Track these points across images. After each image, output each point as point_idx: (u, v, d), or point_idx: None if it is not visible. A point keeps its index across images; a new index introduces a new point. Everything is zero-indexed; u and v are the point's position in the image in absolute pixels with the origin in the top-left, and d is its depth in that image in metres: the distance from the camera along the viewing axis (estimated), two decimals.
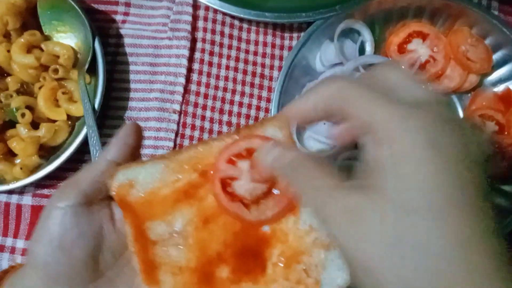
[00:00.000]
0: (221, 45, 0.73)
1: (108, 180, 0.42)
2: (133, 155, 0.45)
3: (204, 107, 0.71)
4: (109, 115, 0.71)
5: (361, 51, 0.71)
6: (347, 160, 0.66)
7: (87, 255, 0.41)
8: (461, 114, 0.71)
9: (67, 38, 0.71)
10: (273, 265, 0.42)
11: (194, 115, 0.71)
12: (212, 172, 0.43)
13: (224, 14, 0.73)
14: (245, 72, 0.73)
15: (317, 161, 0.36)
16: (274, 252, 0.43)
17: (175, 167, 0.43)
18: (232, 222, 0.43)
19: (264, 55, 0.73)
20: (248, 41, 0.74)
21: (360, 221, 0.31)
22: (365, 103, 0.32)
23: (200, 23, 0.73)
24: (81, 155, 0.69)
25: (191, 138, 0.71)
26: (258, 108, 0.71)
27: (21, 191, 0.70)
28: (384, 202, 0.30)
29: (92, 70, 0.69)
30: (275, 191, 0.43)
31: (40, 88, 0.67)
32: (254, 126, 0.45)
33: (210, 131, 0.71)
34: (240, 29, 0.74)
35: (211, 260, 0.43)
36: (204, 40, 0.73)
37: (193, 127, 0.71)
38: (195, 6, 0.74)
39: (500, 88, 0.69)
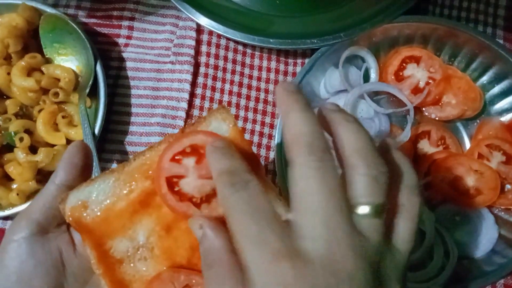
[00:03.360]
0: (224, 70, 0.72)
1: (60, 205, 0.41)
2: (84, 175, 0.44)
3: None
4: (109, 139, 0.70)
5: (366, 77, 0.71)
6: None
7: (48, 285, 0.40)
8: (467, 143, 0.70)
9: (69, 61, 0.70)
10: None
11: None
12: (156, 173, 0.40)
13: (228, 39, 0.72)
14: (248, 97, 0.72)
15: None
16: None
17: (126, 178, 0.42)
18: None
19: (267, 80, 0.73)
20: (251, 67, 0.73)
21: None
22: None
23: (204, 48, 0.73)
24: None
25: None
26: (261, 134, 0.70)
27: None
28: None
29: (93, 93, 0.67)
30: None
31: (39, 111, 0.66)
32: (197, 122, 0.43)
33: None
34: (244, 54, 0.73)
35: (181, 267, 0.41)
36: (207, 65, 0.72)
37: None
38: (199, 31, 0.73)
39: (507, 118, 0.68)
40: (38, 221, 0.41)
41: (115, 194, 0.41)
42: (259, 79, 0.73)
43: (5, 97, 0.67)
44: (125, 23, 0.74)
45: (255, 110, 0.71)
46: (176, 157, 0.40)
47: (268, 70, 0.73)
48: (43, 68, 0.67)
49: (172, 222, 0.42)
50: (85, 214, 0.41)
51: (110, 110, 0.69)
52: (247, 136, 0.70)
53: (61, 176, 0.43)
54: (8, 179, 0.64)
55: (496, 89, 0.69)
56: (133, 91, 0.71)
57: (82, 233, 0.41)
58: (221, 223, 0.39)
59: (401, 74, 0.69)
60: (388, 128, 0.67)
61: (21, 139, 0.63)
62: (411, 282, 0.61)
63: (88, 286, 0.43)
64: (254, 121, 0.71)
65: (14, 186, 0.64)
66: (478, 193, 0.63)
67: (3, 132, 0.64)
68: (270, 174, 0.69)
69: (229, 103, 0.71)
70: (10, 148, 0.65)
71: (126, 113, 0.71)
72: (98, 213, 0.41)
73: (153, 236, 0.41)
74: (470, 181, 0.63)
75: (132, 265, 0.41)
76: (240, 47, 0.74)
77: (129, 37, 0.74)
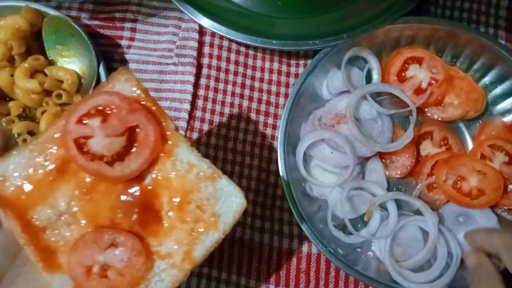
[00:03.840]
0: (226, 71, 0.72)
1: None
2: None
3: (209, 134, 0.70)
4: None
5: (368, 78, 0.71)
6: (353, 190, 0.65)
7: None
8: (470, 143, 0.70)
9: (71, 62, 0.70)
10: (167, 214, 0.42)
11: (199, 142, 0.69)
12: (63, 136, 0.42)
13: (230, 40, 0.73)
14: (251, 98, 0.72)
15: None
16: (163, 201, 0.43)
17: (40, 149, 0.43)
18: (113, 185, 0.43)
19: (270, 82, 0.73)
20: (254, 68, 0.73)
21: None
22: None
23: (206, 49, 0.73)
24: None
25: None
26: (263, 135, 0.70)
27: None
28: None
29: None
30: (136, 144, 0.43)
31: (42, 113, 0.66)
32: (101, 86, 0.45)
33: (215, 158, 0.69)
34: (246, 55, 0.74)
35: (105, 228, 0.42)
36: (209, 66, 0.72)
37: None
38: (201, 32, 0.73)
39: (509, 118, 0.68)
40: None
41: (31, 165, 0.43)
42: (261, 80, 0.73)
43: (8, 99, 0.68)
44: (128, 25, 0.75)
45: (258, 111, 0.71)
46: (82, 119, 0.42)
47: (271, 71, 0.73)
48: (46, 70, 0.67)
49: (91, 185, 0.43)
50: (4, 188, 0.42)
51: None
52: (249, 137, 0.70)
53: None
54: None
55: (498, 90, 0.69)
56: None
57: (3, 206, 0.42)
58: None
59: (403, 75, 0.69)
60: (391, 129, 0.67)
61: (24, 141, 0.63)
62: (415, 283, 0.60)
63: (17, 262, 0.44)
64: (257, 123, 0.71)
65: None
66: (481, 194, 0.63)
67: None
68: (273, 175, 0.69)
69: (232, 104, 0.71)
70: None
71: None
72: (17, 185, 0.42)
73: (73, 201, 0.43)
74: (473, 181, 0.63)
75: (56, 231, 0.42)
76: (242, 49, 0.74)
77: (131, 39, 0.74)
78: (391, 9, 0.68)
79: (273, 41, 0.68)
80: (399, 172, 0.67)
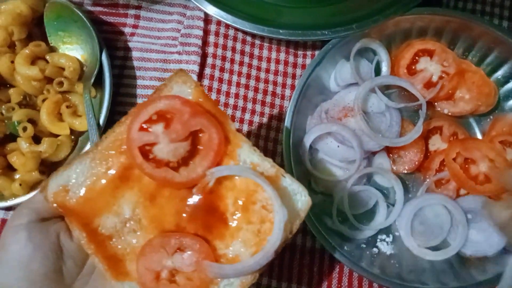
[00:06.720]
0: (232, 61, 0.71)
1: (42, 193, 0.42)
2: None
3: None
4: None
5: (377, 71, 0.69)
6: (358, 185, 0.64)
7: (47, 268, 0.41)
8: (480, 138, 0.68)
9: (73, 49, 0.68)
10: (232, 215, 0.42)
11: None
12: (128, 144, 0.41)
13: (236, 29, 0.71)
14: (256, 89, 0.70)
15: None
16: (228, 202, 0.42)
17: (101, 157, 0.43)
18: (177, 189, 0.42)
19: (276, 72, 0.71)
20: (260, 58, 0.71)
21: None
22: None
23: (211, 38, 0.71)
24: None
25: None
26: (269, 127, 0.69)
27: None
28: None
29: (98, 83, 0.66)
30: (200, 147, 0.42)
31: (43, 100, 0.65)
32: (159, 90, 0.44)
33: None
34: (252, 45, 0.72)
35: (171, 232, 0.42)
36: (214, 56, 0.70)
37: None
38: (207, 21, 0.71)
39: None
40: (38, 210, 0.43)
41: (93, 174, 0.43)
42: (267, 71, 0.71)
43: (8, 85, 0.66)
44: (132, 11, 0.73)
45: (263, 103, 0.70)
46: (144, 126, 0.41)
47: (277, 61, 0.71)
48: (47, 57, 0.66)
49: (155, 191, 0.43)
50: (67, 198, 0.42)
51: (115, 101, 0.68)
52: (254, 129, 0.69)
53: None
54: (11, 169, 0.63)
55: (511, 85, 0.68)
56: (138, 82, 0.70)
57: (68, 215, 0.42)
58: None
59: (413, 67, 0.68)
60: (400, 123, 0.65)
61: (24, 129, 0.62)
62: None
63: (85, 270, 0.45)
64: (262, 114, 0.69)
65: (17, 176, 0.63)
66: (487, 181, 0.62)
67: (6, 121, 0.63)
68: None
69: (237, 95, 0.70)
70: (13, 137, 0.64)
71: (132, 104, 0.69)
72: (81, 195, 0.42)
73: (138, 208, 0.42)
74: (483, 167, 0.62)
75: (122, 238, 0.42)
76: (248, 38, 0.72)
77: (135, 26, 0.72)
78: (402, 0, 0.66)
79: (280, 31, 0.66)
80: (406, 168, 0.66)
